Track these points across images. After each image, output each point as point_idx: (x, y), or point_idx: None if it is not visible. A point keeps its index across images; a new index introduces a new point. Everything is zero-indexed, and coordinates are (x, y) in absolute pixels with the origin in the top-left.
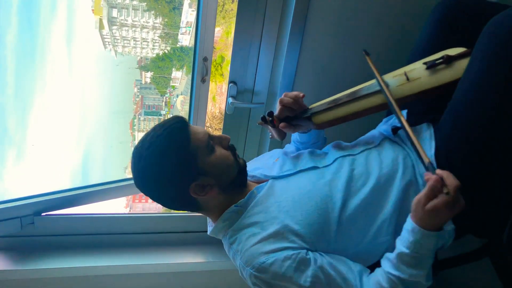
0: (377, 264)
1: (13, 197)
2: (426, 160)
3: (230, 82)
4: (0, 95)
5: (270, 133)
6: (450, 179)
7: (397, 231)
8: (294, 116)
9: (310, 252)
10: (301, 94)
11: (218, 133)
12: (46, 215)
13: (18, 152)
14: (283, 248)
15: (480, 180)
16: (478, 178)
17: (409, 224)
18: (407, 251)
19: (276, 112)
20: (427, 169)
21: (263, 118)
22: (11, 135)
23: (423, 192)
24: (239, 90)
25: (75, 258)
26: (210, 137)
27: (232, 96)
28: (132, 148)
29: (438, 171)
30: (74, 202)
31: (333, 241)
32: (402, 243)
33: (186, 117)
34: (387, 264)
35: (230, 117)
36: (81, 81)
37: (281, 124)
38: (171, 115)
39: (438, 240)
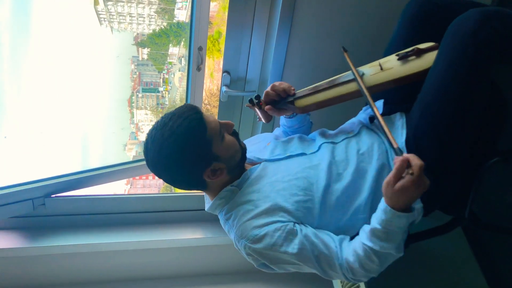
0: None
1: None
2: (395, 146)
3: (223, 71)
4: None
5: (258, 116)
6: (415, 160)
7: (372, 209)
8: (278, 100)
9: (297, 225)
10: (292, 88)
11: (216, 110)
12: (55, 196)
13: (16, 126)
14: (273, 222)
15: (444, 163)
16: (442, 161)
17: (382, 204)
18: (379, 227)
19: (263, 96)
20: (396, 153)
21: (251, 101)
22: (7, 110)
23: (391, 174)
24: (232, 79)
25: (83, 236)
26: (220, 124)
27: (226, 85)
28: (131, 126)
29: (405, 154)
30: (81, 184)
31: (317, 217)
32: (375, 220)
33: (184, 94)
34: (363, 235)
35: (225, 104)
36: (77, 58)
37: (267, 107)
38: (169, 92)
39: (408, 220)
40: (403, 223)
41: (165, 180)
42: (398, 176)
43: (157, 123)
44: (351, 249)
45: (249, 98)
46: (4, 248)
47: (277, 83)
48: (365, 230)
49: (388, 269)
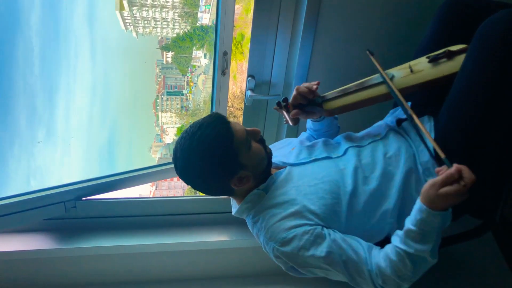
0: (383, 243)
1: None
2: (442, 156)
3: (248, 76)
4: (28, 75)
5: (285, 119)
6: (468, 174)
7: (400, 214)
8: (306, 103)
9: (325, 229)
10: (316, 82)
11: (239, 112)
12: (86, 199)
13: (47, 130)
14: (301, 225)
15: (473, 167)
16: (471, 165)
17: (418, 204)
18: (413, 228)
19: (291, 99)
20: (440, 164)
21: (278, 104)
22: (40, 114)
23: (440, 178)
24: (257, 83)
25: (113, 238)
26: (247, 132)
27: (250, 89)
28: (156, 128)
29: (459, 166)
30: (111, 188)
31: (344, 220)
32: (410, 221)
33: (208, 97)
34: (396, 239)
35: (249, 109)
36: (104, 62)
37: (294, 112)
38: (193, 95)
39: (442, 219)
40: (438, 222)
41: (193, 187)
42: (446, 183)
43: (185, 131)
44: (382, 254)
45: (277, 101)
46: (38, 249)
47: (300, 86)
48: (398, 234)
49: None
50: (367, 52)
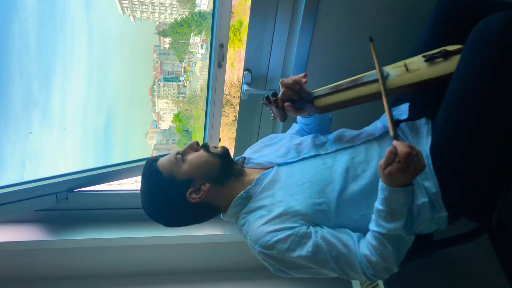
0: None
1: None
2: (391, 134)
3: (245, 70)
4: (24, 58)
5: (272, 114)
6: (400, 148)
7: None
8: (297, 99)
9: (311, 227)
10: (303, 74)
11: (236, 101)
12: (78, 191)
13: (43, 114)
14: (286, 228)
15: (470, 170)
16: (468, 168)
17: (380, 183)
18: (381, 207)
19: (280, 93)
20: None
21: (267, 98)
22: (35, 98)
23: (382, 159)
24: (253, 77)
25: (105, 230)
26: (178, 153)
27: (247, 83)
28: (152, 114)
29: (394, 142)
30: (103, 179)
31: (333, 219)
32: (377, 201)
33: (205, 84)
34: (371, 224)
35: (245, 103)
36: (100, 46)
37: (286, 103)
38: (190, 83)
39: (406, 195)
40: (402, 198)
41: (178, 226)
42: (387, 163)
43: None
44: (365, 243)
45: (265, 95)
46: (29, 240)
47: (284, 79)
48: (372, 217)
49: (410, 275)
50: (369, 38)
